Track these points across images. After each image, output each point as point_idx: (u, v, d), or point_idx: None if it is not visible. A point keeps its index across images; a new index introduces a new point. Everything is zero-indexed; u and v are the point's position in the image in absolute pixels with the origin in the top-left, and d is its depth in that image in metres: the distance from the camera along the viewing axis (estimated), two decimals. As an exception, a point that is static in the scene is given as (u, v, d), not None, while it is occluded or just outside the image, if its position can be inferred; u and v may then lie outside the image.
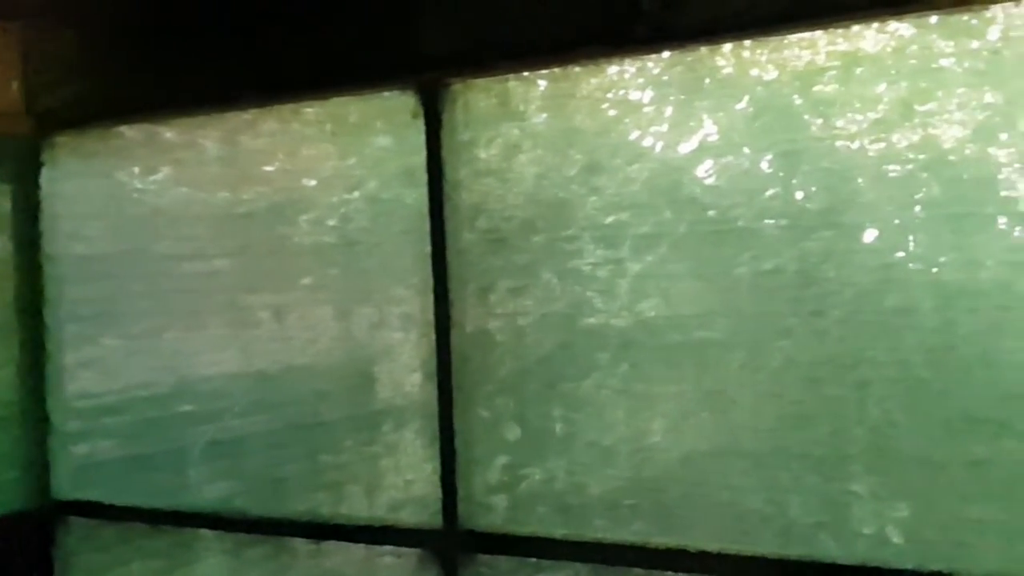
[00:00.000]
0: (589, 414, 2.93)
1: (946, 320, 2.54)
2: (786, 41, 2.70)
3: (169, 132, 3.57)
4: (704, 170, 2.82)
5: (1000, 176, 2.47)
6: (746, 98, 2.75)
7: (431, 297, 3.08)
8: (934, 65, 2.54)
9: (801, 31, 2.65)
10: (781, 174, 2.72)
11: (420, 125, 3.11)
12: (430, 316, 3.09)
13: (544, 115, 2.98)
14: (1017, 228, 2.46)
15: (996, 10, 2.45)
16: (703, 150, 2.80)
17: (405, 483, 3.17)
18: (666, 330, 2.84)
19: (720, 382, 2.78)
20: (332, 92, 3.20)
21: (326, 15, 3.23)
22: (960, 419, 2.52)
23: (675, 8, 2.74)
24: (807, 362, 2.68)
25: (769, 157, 2.73)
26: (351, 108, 3.26)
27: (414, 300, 3.15)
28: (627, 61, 2.84)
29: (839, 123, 2.65)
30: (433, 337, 3.08)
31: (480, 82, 3.01)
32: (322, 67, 3.23)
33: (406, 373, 3.18)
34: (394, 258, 3.20)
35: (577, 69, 2.90)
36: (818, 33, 2.65)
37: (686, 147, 2.83)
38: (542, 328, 2.98)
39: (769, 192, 2.75)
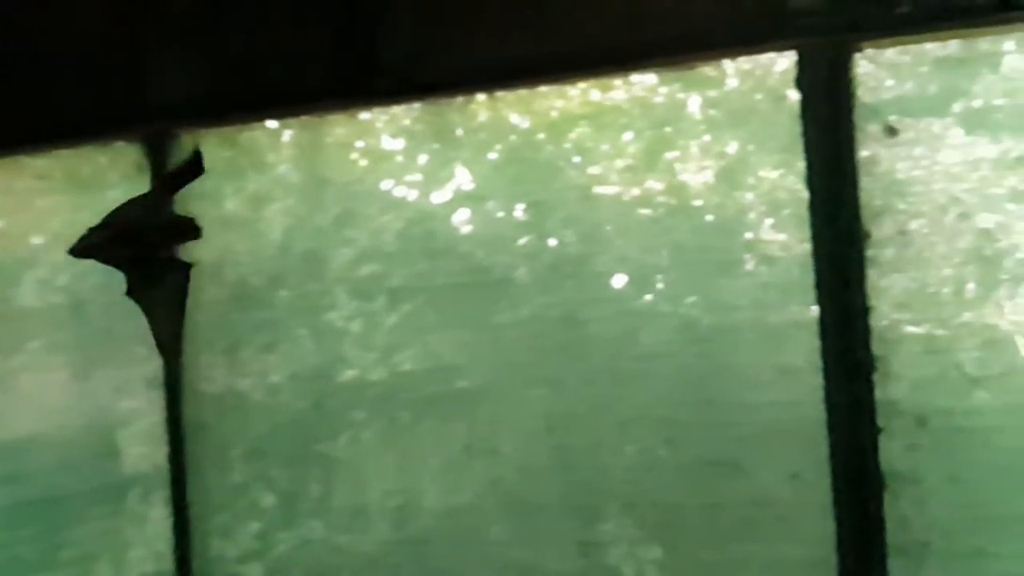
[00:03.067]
0: (346, 473, 2.91)
1: (688, 363, 2.66)
2: (538, 91, 2.83)
3: None
4: (459, 219, 2.89)
5: (744, 219, 2.66)
6: (499, 147, 2.86)
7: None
8: (678, 114, 2.72)
9: (547, 83, 2.79)
10: (535, 222, 2.83)
11: (146, 179, 3.05)
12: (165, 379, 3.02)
13: (292, 165, 2.99)
14: (762, 268, 2.64)
15: (736, 62, 2.67)
16: (457, 199, 2.88)
17: (137, 559, 3.05)
18: (424, 383, 2.87)
19: (481, 433, 2.82)
20: (60, 144, 3.12)
21: (53, 63, 3.16)
22: (699, 462, 2.62)
23: (419, 60, 2.83)
24: (565, 410, 2.76)
25: (523, 206, 2.84)
26: (81, 161, 3.18)
27: (148, 363, 3.03)
28: (377, 111, 2.91)
29: (591, 171, 2.79)
30: (164, 403, 3.01)
31: (215, 132, 3.00)
32: (50, 118, 3.15)
33: (138, 442, 3.09)
34: (127, 318, 3.11)
35: (325, 119, 2.94)
36: (569, 84, 2.81)
37: (440, 197, 2.90)
38: (294, 386, 2.95)
39: (523, 240, 2.85)
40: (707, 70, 2.65)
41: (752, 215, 2.65)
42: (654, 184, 2.75)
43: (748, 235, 2.64)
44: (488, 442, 2.80)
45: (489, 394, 2.82)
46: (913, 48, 2.46)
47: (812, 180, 2.45)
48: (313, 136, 2.97)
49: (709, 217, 2.69)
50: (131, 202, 2.26)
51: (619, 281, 2.77)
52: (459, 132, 2.89)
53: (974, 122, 2.47)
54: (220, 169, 2.99)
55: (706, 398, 2.59)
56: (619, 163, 2.77)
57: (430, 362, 2.85)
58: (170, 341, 2.29)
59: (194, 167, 2.32)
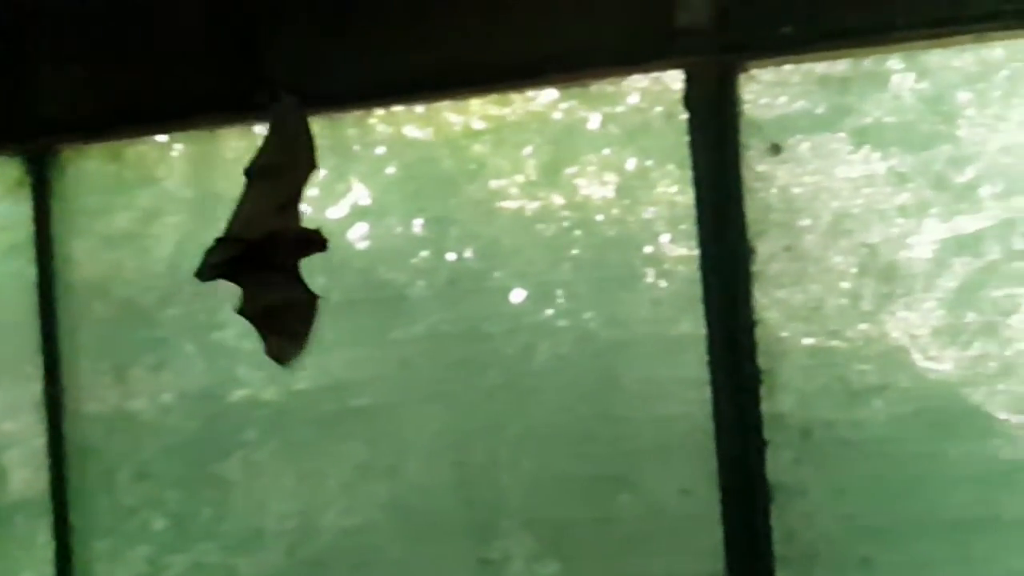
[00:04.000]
0: (240, 494, 2.89)
1: (583, 378, 2.70)
2: (437, 106, 2.86)
3: None
4: (356, 235, 2.91)
5: (642, 233, 2.71)
6: (397, 162, 2.88)
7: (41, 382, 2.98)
8: (577, 130, 2.77)
9: (444, 98, 2.81)
10: (434, 237, 2.86)
11: (27, 194, 3.02)
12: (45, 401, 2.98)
13: (182, 180, 2.98)
14: (660, 282, 2.70)
15: (632, 79, 2.73)
16: (355, 214, 2.89)
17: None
18: (320, 401, 2.87)
19: (378, 451, 2.83)
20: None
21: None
22: (592, 478, 2.67)
23: (311, 74, 2.81)
24: (463, 426, 2.79)
25: (421, 221, 2.86)
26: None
27: (25, 386, 3.01)
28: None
29: (490, 186, 2.83)
30: (45, 425, 2.97)
31: (100, 148, 2.97)
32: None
33: (20, 465, 3.02)
34: (4, 340, 3.07)
35: (217, 133, 2.93)
36: (466, 99, 2.84)
37: (337, 212, 2.91)
38: (184, 405, 2.93)
39: (422, 255, 2.87)
40: (605, 87, 2.72)
41: (650, 230, 2.71)
42: (554, 199, 2.80)
43: (648, 249, 2.71)
44: (386, 460, 2.81)
45: (387, 412, 2.83)
46: (799, 67, 2.56)
47: (700, 197, 2.53)
48: (204, 150, 2.96)
49: (608, 232, 2.75)
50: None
51: (518, 296, 2.81)
52: (356, 147, 2.90)
53: (861, 139, 2.57)
54: (107, 184, 2.98)
55: (600, 413, 2.64)
56: (518, 178, 2.81)
57: (326, 380, 2.85)
58: (285, 353, 2.19)
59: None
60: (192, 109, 2.88)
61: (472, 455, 2.77)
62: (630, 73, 2.57)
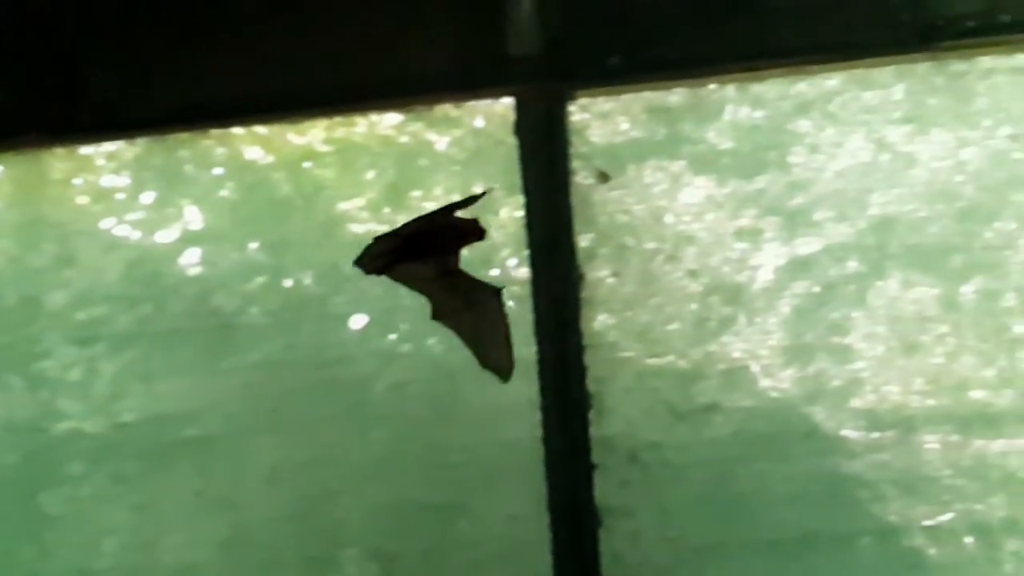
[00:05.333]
0: (64, 530, 2.82)
1: (421, 405, 2.74)
2: (276, 128, 2.87)
3: None
4: (187, 260, 2.89)
5: (489, 257, 2.76)
6: (232, 185, 2.87)
7: None
8: (421, 154, 2.81)
9: (279, 121, 2.82)
10: (271, 262, 2.85)
11: None
12: None
13: (5, 203, 2.90)
14: (509, 303, 2.74)
15: (479, 104, 2.79)
16: (186, 239, 2.87)
17: None
18: (150, 432, 2.83)
19: (213, 483, 2.81)
20: None
21: None
22: (421, 506, 2.70)
23: (135, 96, 2.81)
24: (300, 456, 2.78)
25: (257, 245, 2.87)
26: None
27: None
28: (103, 147, 2.87)
29: (333, 209, 2.84)
30: None
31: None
32: None
33: None
34: None
35: (40, 155, 2.87)
36: (302, 122, 2.86)
37: (167, 236, 2.89)
38: (5, 439, 2.83)
39: (258, 281, 2.87)
40: (450, 110, 2.78)
41: (496, 254, 2.77)
42: (399, 223, 2.83)
43: (494, 272, 2.77)
44: (221, 492, 2.79)
45: (222, 442, 2.81)
46: (634, 96, 2.67)
47: (530, 223, 2.61)
48: (26, 173, 2.90)
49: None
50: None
51: (359, 322, 2.84)
52: (189, 169, 2.89)
53: (697, 166, 2.69)
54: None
55: (437, 440, 2.68)
56: (362, 202, 2.84)
57: (157, 410, 2.81)
58: (500, 362, 2.12)
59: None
60: (12, 131, 2.82)
61: (310, 486, 2.77)
62: (462, 99, 2.64)
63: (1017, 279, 2.64)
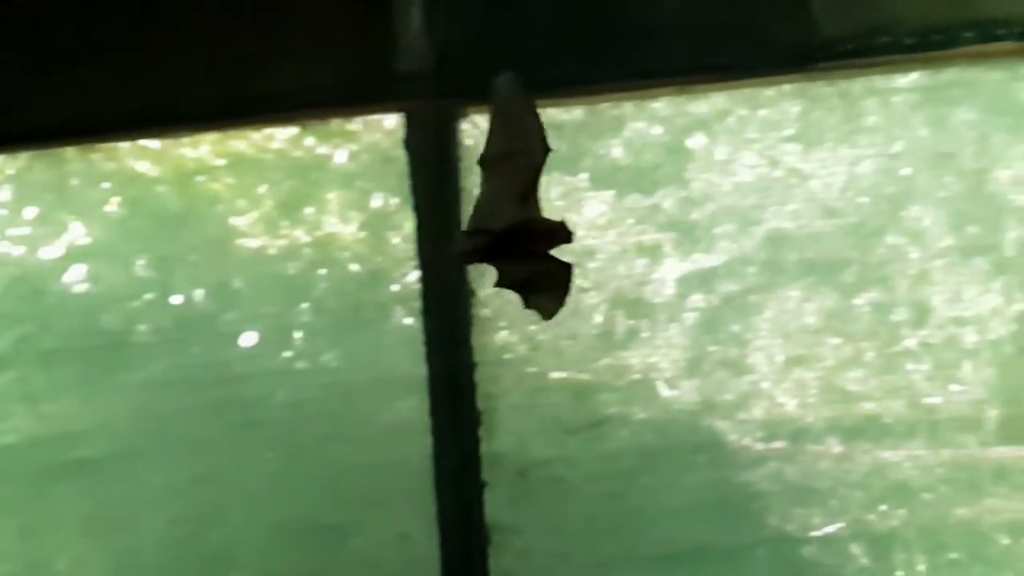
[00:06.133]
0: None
1: (312, 424, 2.74)
2: (170, 142, 2.85)
3: None
4: (73, 277, 2.85)
5: (391, 271, 2.77)
6: (123, 199, 2.84)
7: None
8: (322, 166, 2.81)
9: (167, 135, 2.80)
10: (161, 278, 2.83)
11: None
12: None
13: None
14: (407, 320, 2.77)
15: (372, 119, 2.80)
16: (73, 255, 2.82)
17: None
18: (36, 454, 2.77)
19: (103, 504, 2.77)
20: None
21: None
22: (312, 526, 2.70)
23: (17, 108, 2.74)
24: (192, 476, 2.76)
25: (145, 261, 2.83)
26: None
27: None
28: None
29: (226, 224, 2.82)
30: None
31: None
32: None
33: None
34: None
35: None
36: (193, 135, 2.84)
37: (52, 252, 2.84)
38: None
39: (147, 298, 2.84)
40: (347, 123, 2.79)
41: (398, 269, 2.78)
42: (295, 237, 2.84)
43: (395, 287, 2.78)
44: (109, 515, 2.75)
45: (109, 464, 2.77)
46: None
47: (420, 239, 2.63)
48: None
49: (353, 271, 2.80)
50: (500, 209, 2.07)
51: (251, 339, 2.83)
52: (74, 183, 2.85)
53: (588, 182, 2.73)
54: None
55: (325, 460, 2.68)
56: (256, 216, 2.83)
57: (43, 432, 2.76)
58: (552, 312, 2.12)
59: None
60: None
61: (201, 507, 2.75)
62: (353, 114, 2.65)
63: (906, 292, 2.73)
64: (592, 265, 2.72)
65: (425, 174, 2.60)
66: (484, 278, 2.64)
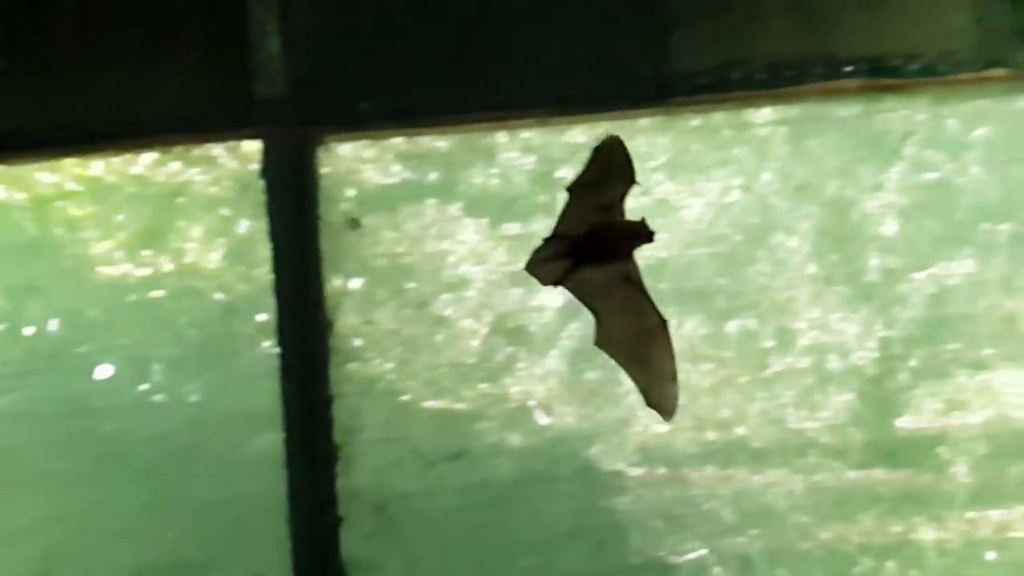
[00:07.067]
0: None
1: (163, 459, 2.68)
2: (20, 167, 2.79)
3: None
4: (-86, 308, 2.77)
5: (257, 301, 2.72)
6: (-27, 227, 2.77)
7: None
8: (185, 193, 2.77)
9: (23, 161, 2.74)
10: (11, 308, 2.76)
11: None
12: None
13: None
14: (273, 350, 2.74)
15: (232, 145, 2.77)
16: (-86, 285, 2.76)
17: None
18: None
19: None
20: None
21: None
22: (167, 565, 2.66)
23: None
24: (39, 514, 2.67)
25: (-2, 290, 2.78)
26: None
27: None
28: None
29: (83, 252, 2.76)
30: None
31: None
32: None
33: None
34: None
35: None
36: (62, 159, 2.78)
37: None
38: None
39: (-1, 329, 2.78)
40: (210, 150, 2.76)
41: (263, 299, 2.74)
42: (156, 266, 2.79)
43: (261, 317, 2.75)
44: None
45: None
46: (390, 141, 2.71)
47: (277, 269, 2.61)
48: None
49: (217, 300, 2.77)
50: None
51: (107, 371, 2.77)
52: (-82, 208, 2.77)
53: (469, 210, 2.74)
54: None
55: (181, 496, 2.64)
56: (115, 244, 2.78)
57: None
58: (664, 401, 2.07)
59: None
60: None
61: (55, 546, 2.67)
62: (212, 141, 2.62)
63: (775, 318, 2.80)
64: (468, 293, 2.73)
65: (282, 202, 2.60)
66: (343, 308, 2.66)
